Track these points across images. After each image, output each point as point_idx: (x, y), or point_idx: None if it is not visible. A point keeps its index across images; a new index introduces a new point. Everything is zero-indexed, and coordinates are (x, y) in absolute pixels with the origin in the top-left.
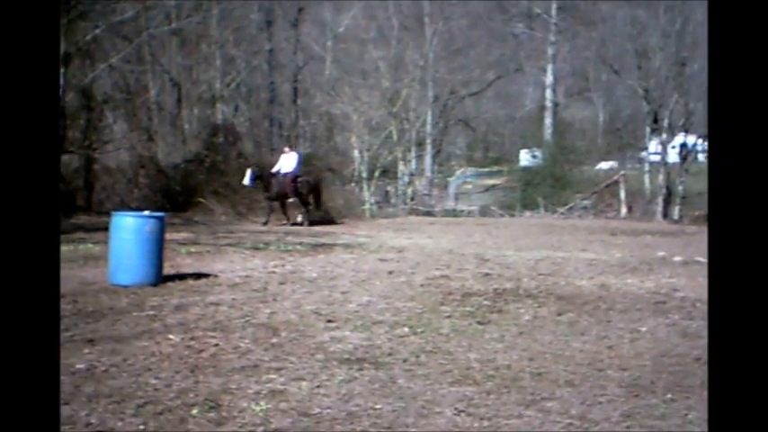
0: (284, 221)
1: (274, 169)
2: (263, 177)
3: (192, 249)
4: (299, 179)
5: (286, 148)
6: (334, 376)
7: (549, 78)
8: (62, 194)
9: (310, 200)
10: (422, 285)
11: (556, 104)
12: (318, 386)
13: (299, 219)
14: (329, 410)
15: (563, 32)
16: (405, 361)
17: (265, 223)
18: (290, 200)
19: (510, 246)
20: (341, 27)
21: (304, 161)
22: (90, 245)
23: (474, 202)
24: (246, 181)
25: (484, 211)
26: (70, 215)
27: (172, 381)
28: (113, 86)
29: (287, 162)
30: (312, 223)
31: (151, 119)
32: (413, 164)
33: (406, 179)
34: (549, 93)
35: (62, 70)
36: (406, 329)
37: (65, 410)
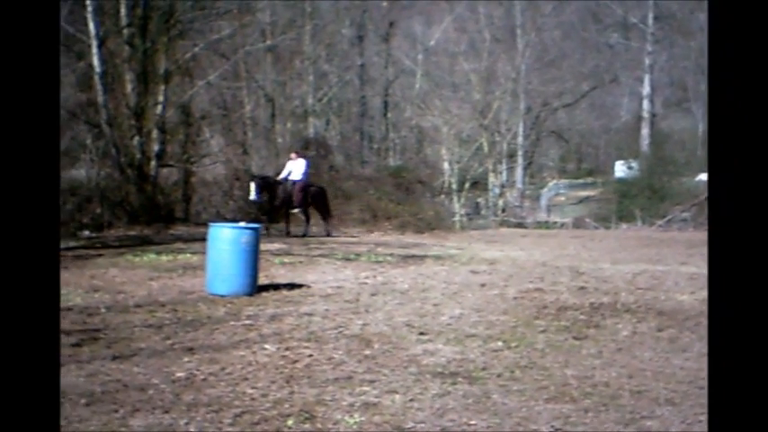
0: (288, 231)
1: (281, 176)
2: (270, 186)
3: (286, 260)
4: (310, 188)
5: (293, 155)
6: (427, 390)
7: (645, 89)
8: (161, 206)
9: (314, 210)
10: (515, 298)
11: (653, 115)
12: (412, 400)
13: (305, 229)
14: (423, 425)
15: (660, 42)
16: (499, 376)
17: (288, 233)
18: (295, 210)
19: (606, 259)
20: (431, 40)
21: (311, 169)
22: (188, 255)
23: (567, 214)
24: (252, 195)
25: (578, 224)
26: (169, 226)
27: (268, 391)
28: (211, 102)
29: (294, 169)
30: (325, 234)
31: (246, 133)
32: (504, 175)
33: (497, 191)
34: (646, 103)
35: (162, 87)
36: (499, 343)
37: (165, 419)
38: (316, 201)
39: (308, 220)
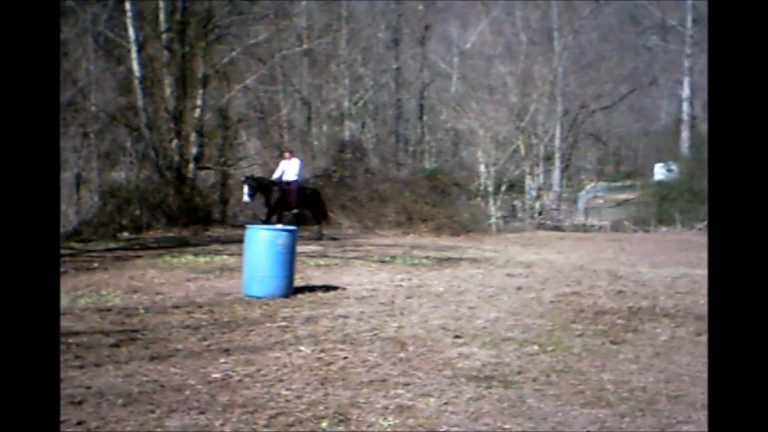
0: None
1: (274, 177)
2: (264, 187)
3: (321, 262)
4: (305, 189)
5: (286, 154)
6: (462, 393)
7: (685, 91)
8: (199, 208)
9: (307, 211)
10: (551, 302)
11: (693, 118)
12: (446, 403)
13: (314, 233)
14: (457, 429)
15: (699, 44)
16: (534, 380)
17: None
18: (295, 211)
19: (645, 262)
20: (467, 43)
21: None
22: (225, 256)
23: (605, 216)
24: (245, 197)
25: (616, 227)
26: (206, 228)
27: (302, 392)
28: (247, 106)
29: (288, 169)
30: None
31: (282, 136)
32: (540, 178)
33: (534, 193)
34: (686, 106)
35: (200, 91)
36: (535, 347)
37: (200, 420)
38: (311, 202)
39: (319, 221)
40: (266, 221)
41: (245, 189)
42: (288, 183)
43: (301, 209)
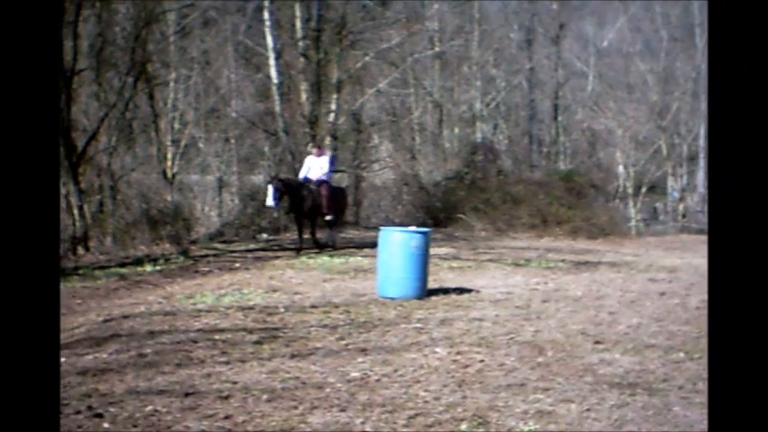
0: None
1: (300, 176)
2: (292, 189)
3: (454, 264)
4: (335, 189)
5: (314, 150)
6: (604, 400)
7: None
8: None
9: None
10: (698, 308)
11: None
12: (588, 409)
13: (326, 237)
14: None
15: None
16: (681, 388)
17: (299, 250)
18: (328, 217)
19: None
20: (604, 41)
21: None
22: (359, 258)
23: None
24: (269, 201)
25: None
26: (341, 230)
27: (440, 394)
28: (380, 109)
29: (314, 167)
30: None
31: (414, 139)
32: (684, 179)
33: (677, 195)
34: None
35: (335, 96)
36: (681, 355)
37: (341, 417)
38: (337, 203)
39: (335, 226)
40: (299, 230)
41: (270, 191)
42: (318, 184)
43: (332, 213)
